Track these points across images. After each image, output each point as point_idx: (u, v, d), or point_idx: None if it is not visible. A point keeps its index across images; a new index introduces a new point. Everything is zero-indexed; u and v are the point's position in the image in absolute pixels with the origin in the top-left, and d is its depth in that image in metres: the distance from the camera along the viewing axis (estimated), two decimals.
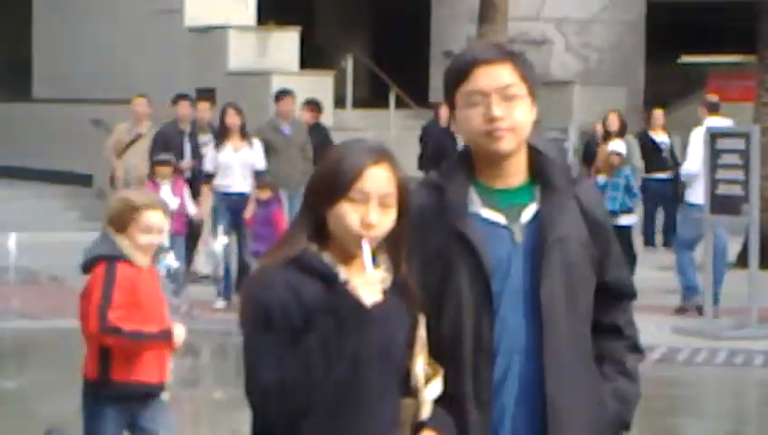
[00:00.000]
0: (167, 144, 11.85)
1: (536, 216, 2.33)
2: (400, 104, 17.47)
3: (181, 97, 12.56)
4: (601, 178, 11.83)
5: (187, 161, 12.00)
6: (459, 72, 2.29)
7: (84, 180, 16.09)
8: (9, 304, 10.87)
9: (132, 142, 12.11)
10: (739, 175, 10.26)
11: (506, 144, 2.23)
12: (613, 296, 2.44)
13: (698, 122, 11.68)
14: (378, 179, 2.12)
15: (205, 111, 12.89)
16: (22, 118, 19.57)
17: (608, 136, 12.91)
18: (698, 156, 10.67)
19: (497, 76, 2.27)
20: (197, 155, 12.22)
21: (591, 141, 13.97)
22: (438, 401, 2.24)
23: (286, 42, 17.24)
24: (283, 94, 12.73)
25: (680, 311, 9.94)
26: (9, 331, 10.06)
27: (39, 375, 8.63)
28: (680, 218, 12.04)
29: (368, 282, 2.11)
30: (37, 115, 19.11)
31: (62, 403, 7.00)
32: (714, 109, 12.03)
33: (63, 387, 7.34)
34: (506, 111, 2.24)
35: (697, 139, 10.81)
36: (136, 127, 12.10)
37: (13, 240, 12.70)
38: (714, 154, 10.41)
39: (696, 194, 10.64)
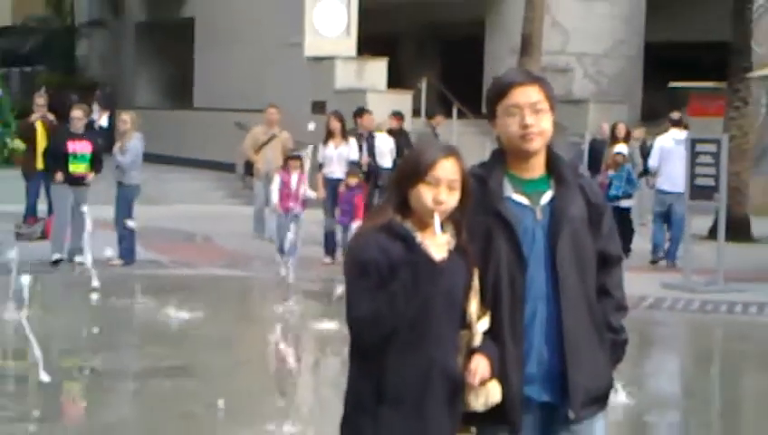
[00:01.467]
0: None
1: (552, 200, 2.37)
2: (461, 115, 17.83)
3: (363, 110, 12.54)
4: (610, 172, 11.88)
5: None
6: (500, 91, 2.35)
7: (229, 167, 16.55)
8: (174, 257, 10.92)
9: (268, 141, 12.21)
10: (712, 171, 10.35)
11: (535, 145, 2.29)
12: (603, 260, 2.45)
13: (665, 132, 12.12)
14: (446, 169, 2.15)
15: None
16: (185, 121, 20.66)
17: (615, 141, 12.95)
18: (656, 155, 11.29)
19: (529, 94, 2.32)
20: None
21: (597, 140, 14.21)
22: (486, 334, 2.27)
23: (377, 68, 17.59)
24: (362, 111, 12.62)
25: (653, 262, 10.29)
26: (174, 276, 10.08)
27: (197, 308, 8.44)
28: (654, 199, 12.17)
29: (437, 244, 2.12)
30: (196, 119, 20.08)
31: (211, 329, 7.59)
32: (676, 123, 12.40)
33: (213, 318, 7.96)
34: (535, 120, 2.29)
35: (658, 143, 11.52)
36: (269, 129, 12.23)
37: (177, 210, 13.69)
38: (693, 155, 10.49)
39: (661, 182, 11.16)
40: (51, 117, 11.83)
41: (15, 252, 7.93)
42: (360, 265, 2.19)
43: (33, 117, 11.66)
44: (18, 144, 12.54)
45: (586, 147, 14.27)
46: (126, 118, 10.57)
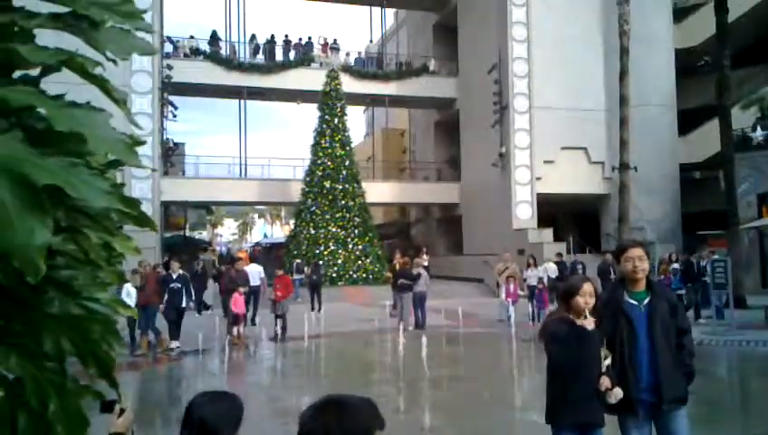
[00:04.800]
0: None
1: (649, 302, 3.91)
2: (591, 252, 25.05)
3: None
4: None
5: None
6: (622, 249, 4.17)
7: (480, 280, 27.21)
8: (456, 323, 17.72)
9: (504, 269, 21.22)
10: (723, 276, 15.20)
11: (640, 277, 3.97)
12: (680, 331, 4.12)
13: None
14: (588, 288, 3.73)
15: None
16: (461, 261, 30.78)
17: (669, 263, 19.18)
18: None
19: (637, 252, 3.94)
20: None
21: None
22: (608, 367, 3.80)
23: (547, 232, 25.99)
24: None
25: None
26: (458, 333, 16.47)
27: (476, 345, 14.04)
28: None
29: (588, 323, 3.75)
30: (466, 260, 30.26)
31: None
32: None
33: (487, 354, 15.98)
34: (640, 265, 3.91)
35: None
36: (505, 263, 20.05)
37: (456, 301, 20.91)
38: (713, 268, 16.01)
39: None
40: None
41: None
42: (552, 336, 3.84)
43: None
44: None
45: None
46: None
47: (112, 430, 2.49)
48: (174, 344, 14.46)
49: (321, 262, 23.74)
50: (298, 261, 26.18)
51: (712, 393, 8.99)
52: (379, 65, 33.54)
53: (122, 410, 2.51)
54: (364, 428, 1.80)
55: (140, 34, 1.47)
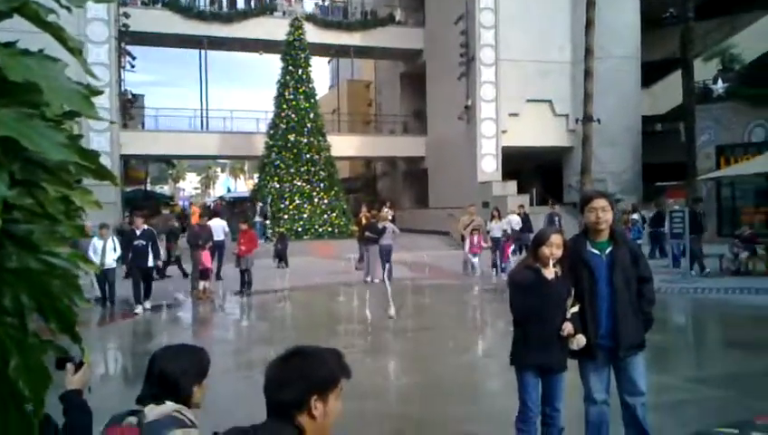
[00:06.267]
0: None
1: (610, 251, 4.18)
2: (554, 204, 22.48)
3: None
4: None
5: None
6: (586, 199, 4.34)
7: (446, 234, 27.33)
8: (421, 275, 18.24)
9: (469, 223, 22.13)
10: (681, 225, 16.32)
11: (603, 228, 4.19)
12: (642, 279, 4.31)
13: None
14: (556, 239, 4.12)
15: None
16: (426, 214, 31.08)
17: (630, 212, 21.47)
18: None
19: (601, 202, 4.19)
20: None
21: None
22: (574, 314, 4.18)
23: (511, 184, 26.51)
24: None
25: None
26: (421, 284, 16.36)
27: (434, 295, 17.06)
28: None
29: (549, 272, 4.12)
30: (431, 213, 30.46)
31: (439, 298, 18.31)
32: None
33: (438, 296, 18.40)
34: (603, 216, 4.15)
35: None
36: (470, 217, 21.66)
37: (422, 253, 21.58)
38: (671, 219, 16.80)
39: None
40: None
41: None
42: (514, 283, 4.22)
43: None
44: None
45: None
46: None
47: (69, 387, 2.47)
48: (138, 309, 13.47)
49: (285, 233, 23.36)
50: (260, 204, 25.95)
51: (666, 339, 9.39)
52: (344, 14, 33.09)
53: (80, 365, 2.48)
54: (329, 376, 1.83)
55: None
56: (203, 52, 31.60)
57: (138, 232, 13.96)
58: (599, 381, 4.38)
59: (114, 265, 14.07)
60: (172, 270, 19.00)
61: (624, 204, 23.06)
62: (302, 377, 1.80)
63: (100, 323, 12.82)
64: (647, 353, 4.50)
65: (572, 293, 4.23)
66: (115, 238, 14.41)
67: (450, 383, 7.71)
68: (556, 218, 18.87)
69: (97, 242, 13.72)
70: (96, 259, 13.18)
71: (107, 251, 13.69)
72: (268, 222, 26.34)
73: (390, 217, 19.48)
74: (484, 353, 9.29)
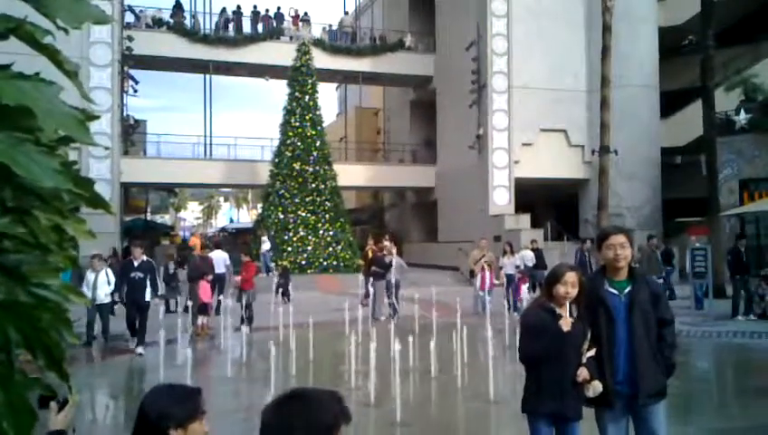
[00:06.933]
0: None
1: (630, 291, 3.98)
2: (569, 239, 25.50)
3: None
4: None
5: None
6: (604, 236, 4.18)
7: (455, 269, 27.31)
8: (429, 312, 15.42)
9: (480, 258, 22.40)
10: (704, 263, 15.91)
11: (622, 265, 4.03)
12: (662, 322, 4.14)
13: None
14: (571, 277, 3.82)
15: None
16: (436, 248, 30.55)
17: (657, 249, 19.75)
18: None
19: (620, 239, 4.03)
20: None
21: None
22: (590, 359, 3.98)
23: (525, 218, 26.51)
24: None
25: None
26: (431, 322, 14.66)
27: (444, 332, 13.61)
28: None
29: (566, 323, 3.92)
30: (441, 247, 30.38)
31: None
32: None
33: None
34: (622, 253, 3.97)
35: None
36: (481, 251, 22.35)
37: (431, 289, 21.42)
38: (693, 256, 16.57)
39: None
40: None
41: None
42: (526, 325, 4.02)
43: None
44: None
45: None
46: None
47: (52, 428, 2.43)
48: (139, 350, 12.91)
49: (288, 267, 23.34)
50: (266, 235, 25.84)
51: (688, 386, 9.20)
52: (353, 40, 33.32)
53: (64, 404, 2.43)
54: (328, 422, 1.79)
55: (95, 2, 1.41)
56: (208, 77, 31.89)
57: (135, 263, 13.25)
58: (617, 431, 4.27)
59: (107, 299, 13.81)
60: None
61: (656, 240, 21.90)
62: (300, 422, 1.75)
63: (89, 360, 12.59)
64: (667, 402, 4.37)
65: (588, 335, 4.11)
66: (108, 271, 14.08)
67: (458, 432, 7.53)
68: (587, 256, 18.35)
69: (89, 274, 13.54)
70: (88, 292, 12.91)
71: (99, 284, 13.39)
72: (271, 253, 26.20)
73: (394, 251, 19.29)
74: (494, 399, 9.09)
